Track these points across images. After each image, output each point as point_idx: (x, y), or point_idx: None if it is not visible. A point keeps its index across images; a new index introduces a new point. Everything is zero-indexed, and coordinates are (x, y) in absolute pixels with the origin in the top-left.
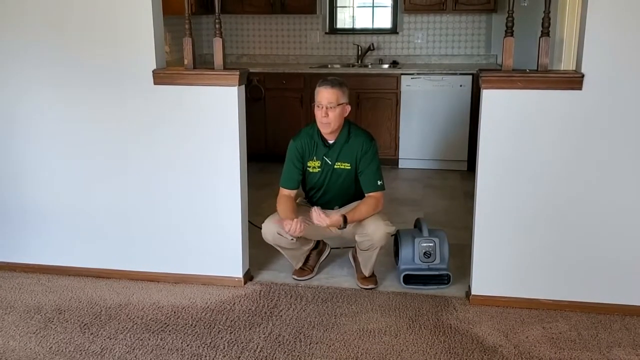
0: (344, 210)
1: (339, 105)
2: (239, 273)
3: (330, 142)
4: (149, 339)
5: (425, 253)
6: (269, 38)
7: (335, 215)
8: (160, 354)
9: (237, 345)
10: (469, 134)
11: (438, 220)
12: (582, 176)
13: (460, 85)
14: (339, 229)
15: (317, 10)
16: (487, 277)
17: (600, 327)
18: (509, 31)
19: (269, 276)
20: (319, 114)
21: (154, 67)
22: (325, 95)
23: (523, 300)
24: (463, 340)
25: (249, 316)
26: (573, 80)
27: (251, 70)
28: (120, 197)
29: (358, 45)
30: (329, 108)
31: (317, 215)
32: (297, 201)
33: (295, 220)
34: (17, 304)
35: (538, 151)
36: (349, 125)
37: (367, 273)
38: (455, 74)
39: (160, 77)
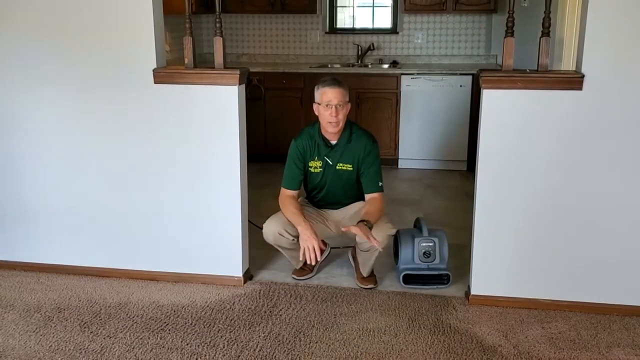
0: (342, 212)
1: (346, 104)
2: (238, 272)
3: (333, 142)
4: (149, 338)
5: (424, 253)
6: (269, 37)
7: (363, 226)
8: (160, 353)
9: (237, 344)
10: (469, 134)
11: (438, 220)
12: (582, 176)
13: (460, 86)
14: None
15: (317, 10)
16: (487, 277)
17: (600, 327)
18: (509, 31)
19: (268, 275)
20: (327, 113)
21: (154, 66)
22: (334, 95)
23: (522, 300)
24: (462, 340)
25: (248, 315)
26: (573, 81)
27: (251, 70)
28: (120, 196)
29: (358, 45)
30: (338, 107)
31: (365, 236)
32: (299, 200)
33: (311, 247)
34: (17, 302)
35: (538, 151)
36: (350, 125)
37: (366, 273)
38: (455, 74)
39: (161, 76)
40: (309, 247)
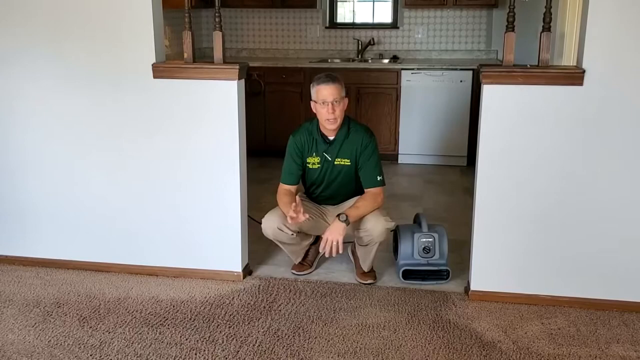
0: (340, 207)
1: (342, 99)
2: (238, 267)
3: (331, 138)
4: (148, 333)
5: (424, 248)
6: (268, 32)
7: (338, 223)
8: (159, 348)
9: (236, 340)
10: (469, 129)
11: (437, 215)
12: (582, 172)
13: (461, 81)
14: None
15: (317, 5)
16: (486, 273)
17: (599, 323)
18: (510, 26)
19: (268, 271)
20: (324, 111)
21: (154, 60)
22: (330, 92)
23: (522, 296)
24: (462, 336)
25: (247, 310)
26: (574, 76)
27: (251, 65)
28: (119, 191)
29: (358, 40)
30: (335, 103)
31: (330, 245)
32: (297, 196)
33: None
34: (16, 297)
35: (538, 147)
36: (348, 120)
37: (366, 268)
38: (456, 69)
39: (160, 70)
40: (333, 244)
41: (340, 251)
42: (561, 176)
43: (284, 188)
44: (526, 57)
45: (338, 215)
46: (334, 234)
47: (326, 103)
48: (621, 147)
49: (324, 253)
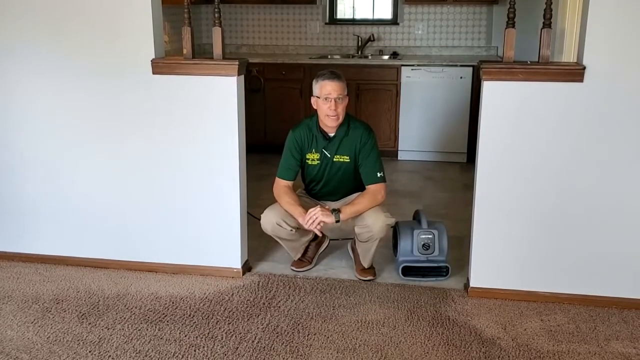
0: (340, 203)
1: (345, 97)
2: (237, 264)
3: (331, 135)
4: (147, 329)
5: (424, 245)
6: (268, 28)
7: (330, 214)
8: (158, 344)
9: (235, 336)
10: (469, 126)
11: (437, 212)
12: (582, 169)
13: (461, 77)
14: (336, 222)
15: (317, 1)
16: (486, 270)
17: (599, 319)
18: (510, 22)
19: (267, 267)
20: (326, 107)
21: (153, 56)
22: (334, 88)
23: (521, 293)
24: (461, 333)
25: (247, 307)
26: (574, 72)
27: (250, 61)
28: (118, 187)
29: (358, 36)
30: (338, 100)
31: (312, 213)
32: (297, 192)
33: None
34: (15, 293)
35: (538, 143)
36: (348, 118)
37: (366, 265)
38: (456, 65)
39: (159, 66)
40: (313, 216)
41: (314, 225)
42: (561, 173)
43: (281, 184)
44: (526, 54)
45: (333, 210)
46: (321, 214)
47: (329, 99)
48: (621, 144)
49: (306, 222)
